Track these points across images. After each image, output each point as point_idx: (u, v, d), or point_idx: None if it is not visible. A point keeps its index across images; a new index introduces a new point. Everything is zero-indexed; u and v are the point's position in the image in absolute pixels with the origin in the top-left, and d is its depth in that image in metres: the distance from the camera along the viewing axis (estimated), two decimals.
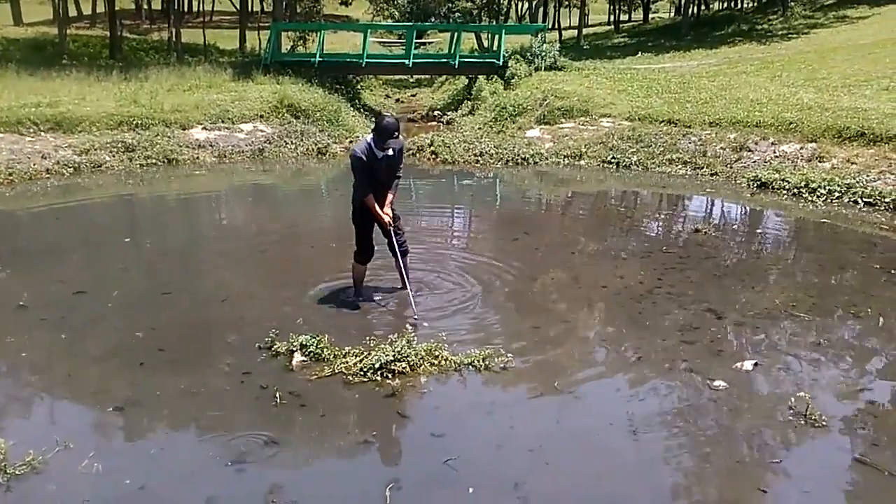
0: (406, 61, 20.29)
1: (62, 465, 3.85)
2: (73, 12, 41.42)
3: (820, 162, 11.17)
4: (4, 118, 12.72)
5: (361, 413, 4.54)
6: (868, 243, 8.42)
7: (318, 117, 15.89)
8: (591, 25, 48.64)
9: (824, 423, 4.29)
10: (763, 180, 10.95)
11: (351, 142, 15.24)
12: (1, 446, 3.83)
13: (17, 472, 3.73)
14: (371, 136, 5.76)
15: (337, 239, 7.87)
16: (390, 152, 5.75)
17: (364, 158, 5.69)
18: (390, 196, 5.96)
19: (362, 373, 4.79)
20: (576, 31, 38.56)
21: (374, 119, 18.66)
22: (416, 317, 5.73)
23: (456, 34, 21.66)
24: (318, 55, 19.60)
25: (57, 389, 4.80)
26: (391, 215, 5.94)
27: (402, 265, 6.10)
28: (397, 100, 26.68)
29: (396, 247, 6.02)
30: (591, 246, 8.31)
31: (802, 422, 4.31)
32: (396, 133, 5.69)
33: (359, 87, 22.32)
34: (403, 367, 4.81)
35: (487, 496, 3.71)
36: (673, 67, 22.23)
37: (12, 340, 5.46)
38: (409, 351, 4.89)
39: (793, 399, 4.50)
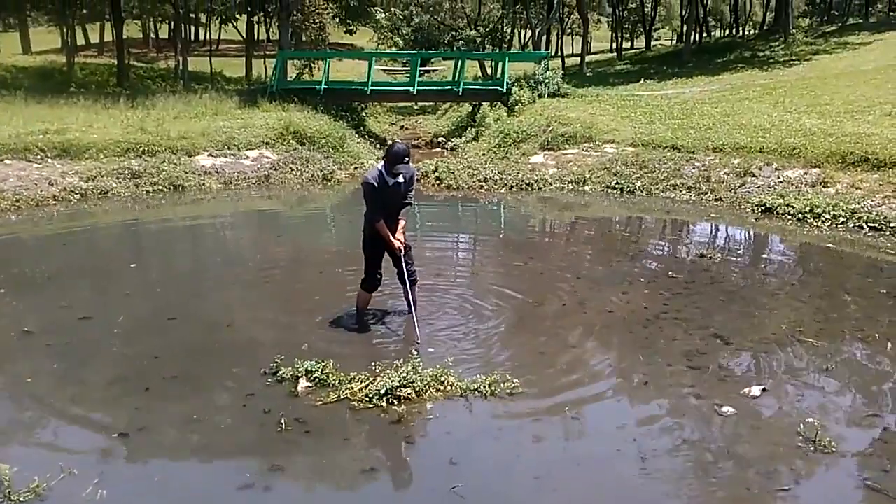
0: (411, 89, 20.45)
1: (66, 492, 3.82)
2: (80, 41, 41.93)
3: (824, 187, 11.18)
4: (12, 145, 12.83)
5: (367, 439, 4.51)
6: (874, 268, 8.41)
7: (324, 144, 16.01)
8: (594, 53, 49.04)
9: (834, 449, 4.24)
10: (767, 205, 10.96)
11: (356, 168, 15.34)
12: (5, 473, 3.81)
13: (21, 499, 3.71)
14: (382, 162, 5.81)
15: (342, 265, 7.89)
16: (401, 179, 5.79)
17: (376, 185, 5.73)
18: (402, 222, 5.99)
19: (368, 399, 4.77)
20: (579, 59, 38.84)
21: (379, 145, 18.86)
22: (419, 341, 5.72)
23: (460, 62, 21.86)
24: (323, 83, 19.79)
25: (62, 415, 4.77)
26: (403, 241, 5.97)
27: (410, 294, 6.13)
28: (402, 126, 26.84)
29: (406, 276, 6.04)
30: (596, 271, 8.30)
31: (812, 448, 4.27)
32: (406, 158, 5.74)
33: (364, 114, 22.49)
34: (409, 393, 4.79)
35: None
36: (675, 94, 22.33)
37: (18, 366, 5.47)
38: (414, 377, 4.87)
39: (801, 425, 4.47)
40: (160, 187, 12.88)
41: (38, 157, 12.82)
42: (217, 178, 13.82)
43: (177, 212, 12.06)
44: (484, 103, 20.59)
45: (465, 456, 4.27)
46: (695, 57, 34.51)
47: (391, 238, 5.88)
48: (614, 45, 49.03)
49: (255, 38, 39.93)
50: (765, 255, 9.46)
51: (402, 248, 5.96)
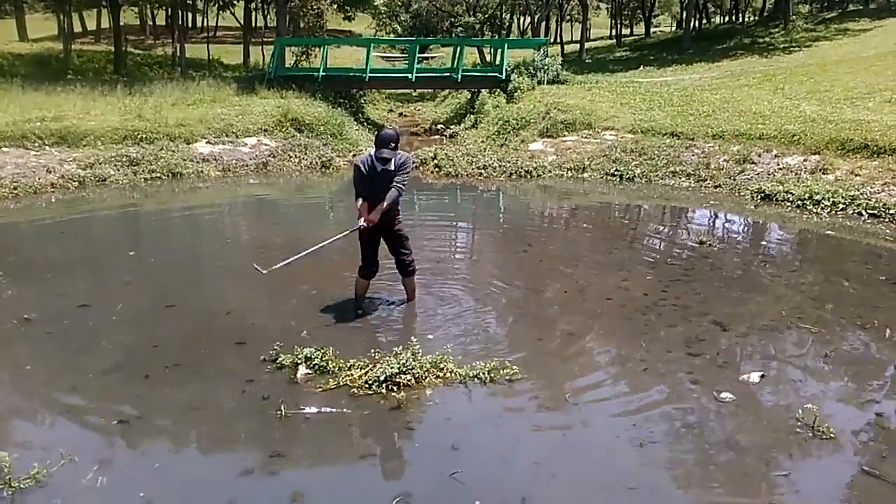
0: (409, 75, 20.38)
1: (67, 478, 3.83)
2: (77, 28, 41.71)
3: (824, 174, 11.17)
4: (9, 133, 12.80)
5: (367, 426, 4.52)
6: (873, 255, 8.41)
7: (322, 131, 15.97)
8: (593, 39, 48.89)
9: (832, 434, 4.26)
10: (767, 192, 10.95)
11: (354, 155, 15.31)
12: (6, 459, 3.81)
13: (21, 486, 3.72)
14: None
15: (341, 252, 7.86)
16: (391, 167, 5.77)
17: (362, 169, 5.83)
18: (383, 204, 5.90)
19: (367, 385, 4.78)
20: (578, 45, 38.73)
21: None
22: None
23: (459, 48, 21.77)
24: (321, 69, 19.70)
25: (61, 402, 4.77)
26: (373, 220, 5.85)
27: (407, 283, 6.21)
28: (400, 114, 26.77)
29: (404, 266, 6.12)
30: (595, 258, 8.30)
31: (810, 434, 4.28)
32: (392, 143, 5.75)
33: (362, 101, 22.42)
34: (409, 380, 4.80)
35: None
36: (675, 80, 22.29)
37: (17, 353, 5.47)
38: (414, 363, 4.88)
39: (800, 411, 4.48)
40: (158, 175, 12.85)
41: (36, 144, 12.80)
42: (215, 165, 13.79)
43: (175, 199, 12.04)
44: (483, 90, 20.51)
45: (465, 442, 4.28)
46: (694, 43, 34.40)
47: (364, 214, 5.84)
48: (614, 32, 48.78)
49: (253, 24, 39.74)
50: (764, 242, 9.46)
51: (365, 226, 5.85)
